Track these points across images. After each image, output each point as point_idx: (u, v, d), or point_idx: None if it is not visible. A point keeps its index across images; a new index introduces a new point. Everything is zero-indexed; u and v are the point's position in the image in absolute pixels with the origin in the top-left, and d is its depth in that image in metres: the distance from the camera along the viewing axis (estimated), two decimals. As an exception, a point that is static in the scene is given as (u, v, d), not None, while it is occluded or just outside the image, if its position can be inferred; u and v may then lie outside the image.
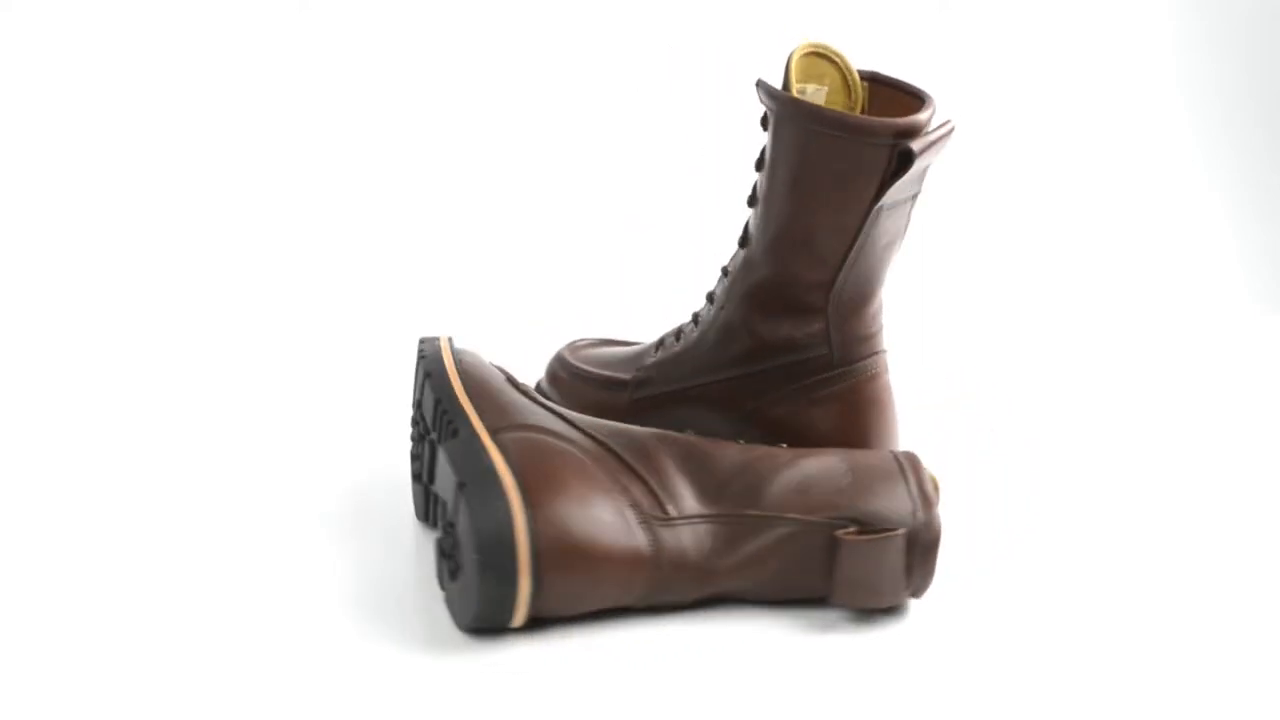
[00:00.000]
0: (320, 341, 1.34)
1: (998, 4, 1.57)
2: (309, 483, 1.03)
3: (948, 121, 0.90)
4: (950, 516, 0.98)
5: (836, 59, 0.93)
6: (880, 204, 0.88)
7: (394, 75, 1.50)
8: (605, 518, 0.79)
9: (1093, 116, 1.57)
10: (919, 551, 0.82)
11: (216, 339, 1.33)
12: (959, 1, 1.57)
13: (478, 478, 0.78)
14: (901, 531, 0.82)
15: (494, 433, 0.82)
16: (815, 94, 0.94)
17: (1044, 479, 1.05)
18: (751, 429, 0.95)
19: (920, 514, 0.83)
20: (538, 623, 0.82)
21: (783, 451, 0.87)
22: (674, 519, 0.81)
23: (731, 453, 0.86)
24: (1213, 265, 1.51)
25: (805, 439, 0.93)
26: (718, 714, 0.74)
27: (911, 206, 0.93)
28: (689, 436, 0.87)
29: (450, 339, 0.95)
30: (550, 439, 0.83)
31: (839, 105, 0.94)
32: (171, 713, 0.73)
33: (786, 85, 0.92)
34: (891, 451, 0.87)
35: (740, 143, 1.48)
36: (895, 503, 0.83)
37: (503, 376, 0.90)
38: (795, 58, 0.92)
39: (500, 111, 1.52)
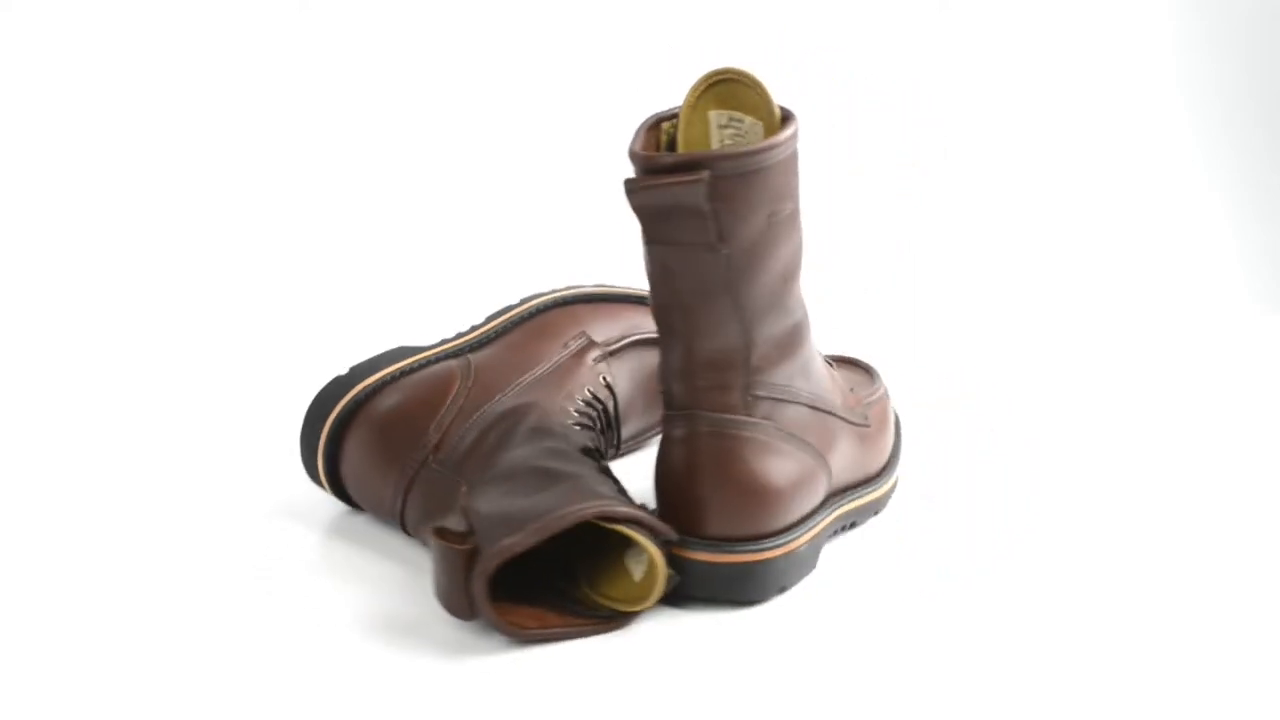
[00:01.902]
0: (321, 341, 1.34)
1: (998, 4, 1.57)
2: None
3: (696, 176, 0.78)
4: (950, 516, 0.98)
5: (758, 90, 0.84)
6: (650, 239, 0.82)
7: (397, 77, 1.50)
8: (396, 441, 0.93)
9: (1092, 116, 1.57)
10: (475, 574, 0.79)
11: (217, 339, 1.33)
12: (959, 1, 1.57)
13: (362, 369, 0.97)
14: (466, 547, 0.79)
15: (461, 354, 0.97)
16: (754, 128, 0.85)
17: (1044, 479, 1.05)
18: None
19: (505, 542, 0.78)
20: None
21: (575, 460, 0.86)
22: (438, 468, 0.91)
23: (536, 449, 0.88)
24: (1213, 265, 1.51)
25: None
26: (716, 709, 0.74)
27: (718, 261, 0.81)
28: (554, 426, 0.91)
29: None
30: (457, 377, 0.95)
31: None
32: (178, 691, 0.73)
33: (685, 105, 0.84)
34: (625, 502, 0.82)
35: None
36: (513, 523, 0.79)
37: (576, 333, 0.99)
38: (705, 85, 0.84)
39: (506, 113, 1.52)
